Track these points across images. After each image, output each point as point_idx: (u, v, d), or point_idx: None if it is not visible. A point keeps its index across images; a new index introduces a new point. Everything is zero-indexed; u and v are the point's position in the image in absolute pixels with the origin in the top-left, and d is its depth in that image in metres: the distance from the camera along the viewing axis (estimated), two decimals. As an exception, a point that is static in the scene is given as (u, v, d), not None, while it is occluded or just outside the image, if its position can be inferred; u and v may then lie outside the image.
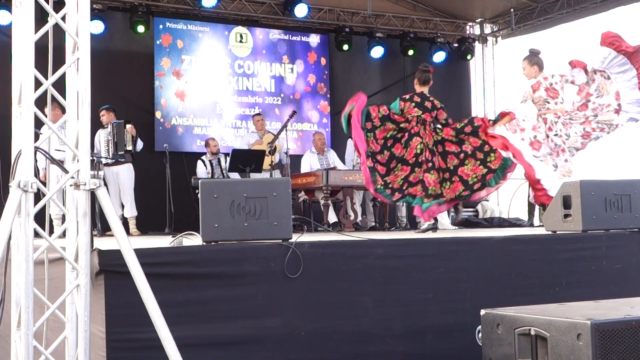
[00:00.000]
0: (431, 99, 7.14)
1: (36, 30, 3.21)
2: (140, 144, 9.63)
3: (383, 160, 6.95)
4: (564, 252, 5.28)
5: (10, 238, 3.09)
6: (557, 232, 5.59)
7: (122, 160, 9.41)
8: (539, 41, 14.03)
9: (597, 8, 12.37)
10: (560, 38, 13.96)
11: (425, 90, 7.22)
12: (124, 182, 9.58)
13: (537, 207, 10.74)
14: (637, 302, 3.90)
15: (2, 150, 7.42)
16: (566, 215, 5.55)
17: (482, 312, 3.85)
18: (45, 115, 3.23)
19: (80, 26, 3.34)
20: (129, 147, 9.38)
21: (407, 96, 7.16)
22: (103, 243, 4.06)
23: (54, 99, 3.43)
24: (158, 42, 11.82)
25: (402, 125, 6.99)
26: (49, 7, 3.32)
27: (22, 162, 3.09)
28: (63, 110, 3.47)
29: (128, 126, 9.39)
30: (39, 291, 3.28)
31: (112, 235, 3.36)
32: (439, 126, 7.13)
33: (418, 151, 6.93)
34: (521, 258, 5.10)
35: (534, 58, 7.37)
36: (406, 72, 13.80)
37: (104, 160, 9.32)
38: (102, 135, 9.40)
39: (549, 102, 7.12)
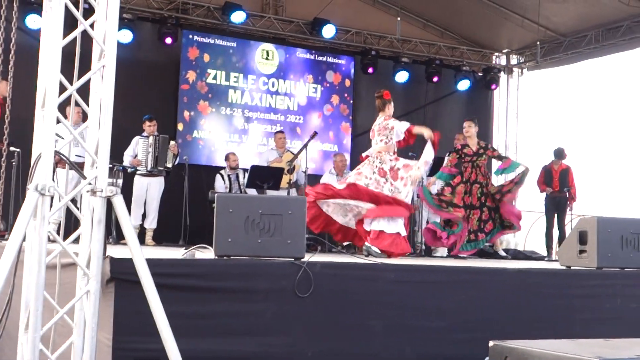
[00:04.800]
0: None
1: (64, 36, 3.25)
2: None
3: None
4: (578, 288, 5.23)
5: (24, 240, 3.10)
6: (572, 268, 5.54)
7: (156, 172, 9.46)
8: (565, 75, 14.03)
9: (625, 45, 12.32)
10: (586, 73, 13.93)
11: None
12: (153, 194, 9.62)
13: (555, 241, 10.70)
14: (650, 343, 3.84)
15: (23, 152, 7.52)
16: (581, 251, 5.50)
17: (491, 343, 3.80)
18: (66, 118, 3.25)
19: (108, 34, 3.38)
20: (169, 165, 9.45)
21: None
22: (117, 251, 4.07)
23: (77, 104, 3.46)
24: (185, 54, 11.90)
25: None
26: (78, 14, 3.36)
27: (41, 165, 3.11)
28: (85, 117, 3.50)
29: (172, 143, 9.46)
30: (49, 295, 3.29)
31: (126, 244, 3.36)
32: None
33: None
34: (535, 291, 5.05)
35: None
36: (428, 99, 13.80)
37: (140, 170, 9.39)
38: (142, 143, 9.45)
39: None
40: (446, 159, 8.87)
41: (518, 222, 8.36)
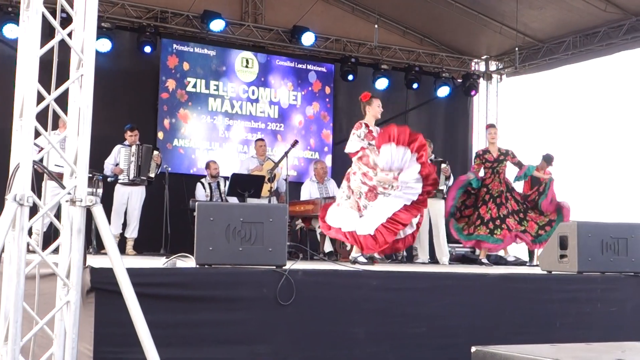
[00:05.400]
0: None
1: (42, 45, 3.23)
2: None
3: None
4: (559, 292, 5.26)
5: (3, 251, 3.08)
6: (553, 272, 5.57)
7: (138, 181, 9.42)
8: (543, 81, 14.12)
9: (602, 51, 12.42)
10: (565, 79, 14.03)
11: None
12: (134, 203, 9.57)
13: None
14: (630, 346, 3.87)
15: (1, 163, 7.47)
16: (562, 256, 5.53)
17: (473, 349, 3.81)
18: (46, 130, 3.23)
19: (86, 43, 3.35)
20: (152, 174, 9.41)
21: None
22: (97, 261, 4.04)
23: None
24: (164, 63, 11.86)
25: None
26: (56, 23, 3.33)
27: (20, 175, 3.09)
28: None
29: (155, 153, 9.43)
30: (29, 306, 3.26)
31: (106, 253, 3.34)
32: None
33: None
34: (516, 296, 5.08)
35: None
36: (408, 105, 13.84)
37: (121, 179, 9.35)
38: (124, 152, 9.40)
39: None
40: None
41: (562, 210, 8.60)
